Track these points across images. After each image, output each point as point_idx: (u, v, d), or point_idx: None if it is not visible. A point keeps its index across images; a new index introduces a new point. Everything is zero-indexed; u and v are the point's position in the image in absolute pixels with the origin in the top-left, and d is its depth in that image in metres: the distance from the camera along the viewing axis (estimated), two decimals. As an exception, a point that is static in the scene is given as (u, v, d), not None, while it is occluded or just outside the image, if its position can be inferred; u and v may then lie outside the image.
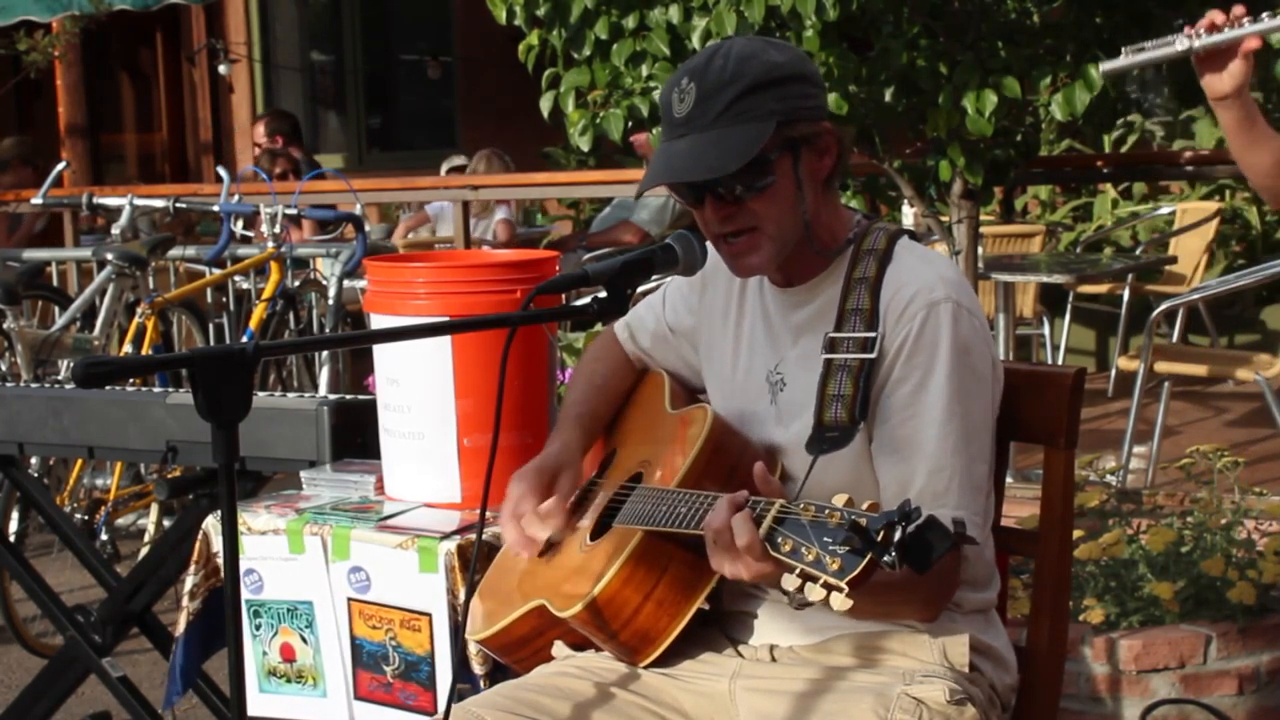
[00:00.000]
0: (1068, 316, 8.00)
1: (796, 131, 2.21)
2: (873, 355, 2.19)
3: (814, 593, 1.77)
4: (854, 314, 2.23)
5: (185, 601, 2.97)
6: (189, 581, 2.97)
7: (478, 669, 2.61)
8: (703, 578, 2.21)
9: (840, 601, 1.76)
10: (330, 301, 5.98)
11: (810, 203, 2.24)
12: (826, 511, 1.81)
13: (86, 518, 5.27)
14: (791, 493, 2.21)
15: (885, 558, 1.74)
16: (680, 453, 2.28)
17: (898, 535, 1.74)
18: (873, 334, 2.20)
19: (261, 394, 3.65)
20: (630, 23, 5.07)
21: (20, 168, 8.80)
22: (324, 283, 6.24)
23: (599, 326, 2.57)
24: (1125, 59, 2.77)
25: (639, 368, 2.59)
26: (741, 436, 2.32)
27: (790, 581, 1.79)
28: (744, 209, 2.21)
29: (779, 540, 1.83)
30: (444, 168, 9.88)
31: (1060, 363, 7.65)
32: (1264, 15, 2.61)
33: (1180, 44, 2.64)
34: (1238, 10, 2.62)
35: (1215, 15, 2.62)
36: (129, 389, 3.89)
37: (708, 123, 2.18)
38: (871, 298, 2.23)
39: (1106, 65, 2.83)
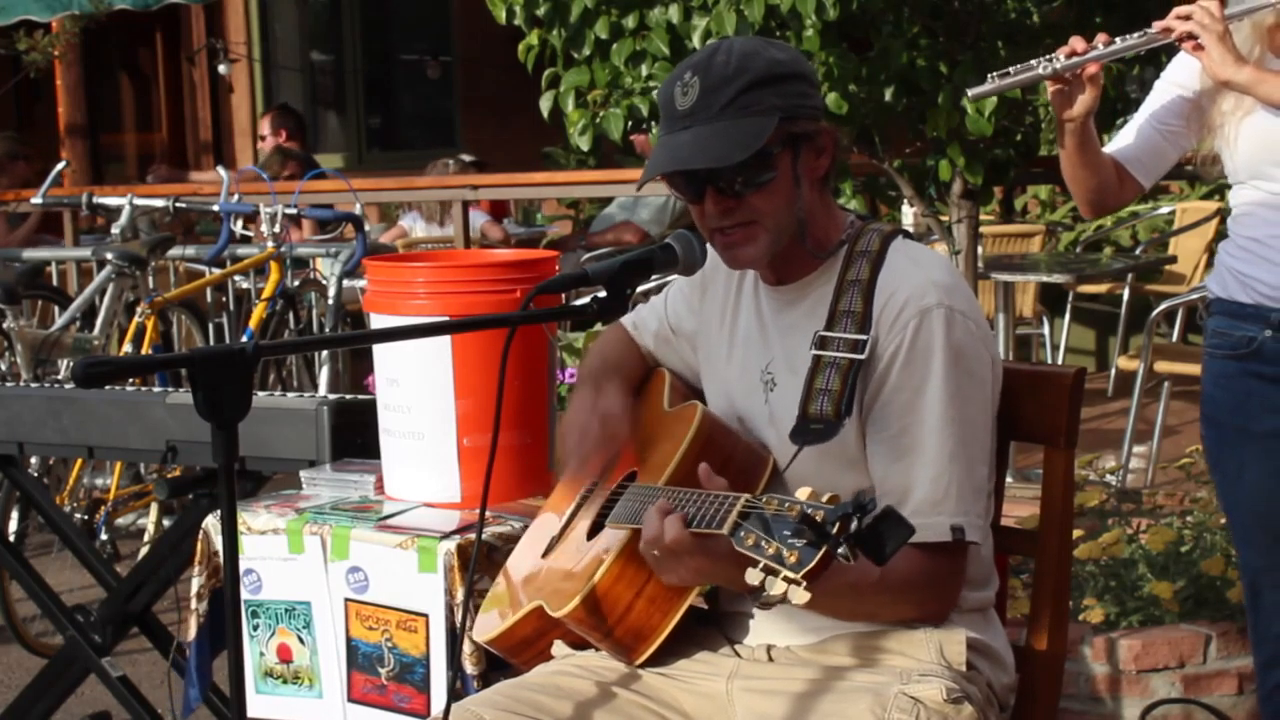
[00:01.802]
0: (1067, 316, 8.00)
1: (797, 128, 2.22)
2: (863, 356, 2.19)
3: (775, 586, 1.78)
4: (846, 315, 2.23)
5: (194, 604, 2.97)
6: (195, 583, 2.97)
7: (471, 669, 2.62)
8: None
9: (799, 595, 1.76)
10: (330, 301, 5.97)
11: (806, 201, 2.25)
12: (787, 505, 1.82)
13: (86, 517, 5.28)
14: (782, 492, 2.23)
15: (840, 550, 1.74)
16: (670, 451, 2.29)
17: (853, 527, 1.74)
18: (864, 337, 2.20)
19: (261, 394, 3.65)
20: (630, 22, 5.07)
21: (10, 165, 8.74)
22: (324, 282, 6.23)
23: (599, 326, 2.58)
24: (991, 84, 2.96)
25: (650, 361, 2.59)
26: (733, 434, 2.32)
27: (753, 576, 1.80)
28: (744, 203, 2.22)
29: (742, 534, 1.84)
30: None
31: (1060, 363, 7.65)
32: (1117, 39, 2.76)
33: (1042, 68, 2.82)
34: (1101, 38, 2.78)
35: (1076, 42, 2.80)
36: (129, 389, 3.89)
37: (712, 115, 2.18)
38: (864, 301, 2.23)
39: (974, 90, 3.02)
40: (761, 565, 1.79)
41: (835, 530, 1.74)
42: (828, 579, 1.78)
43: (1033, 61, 2.82)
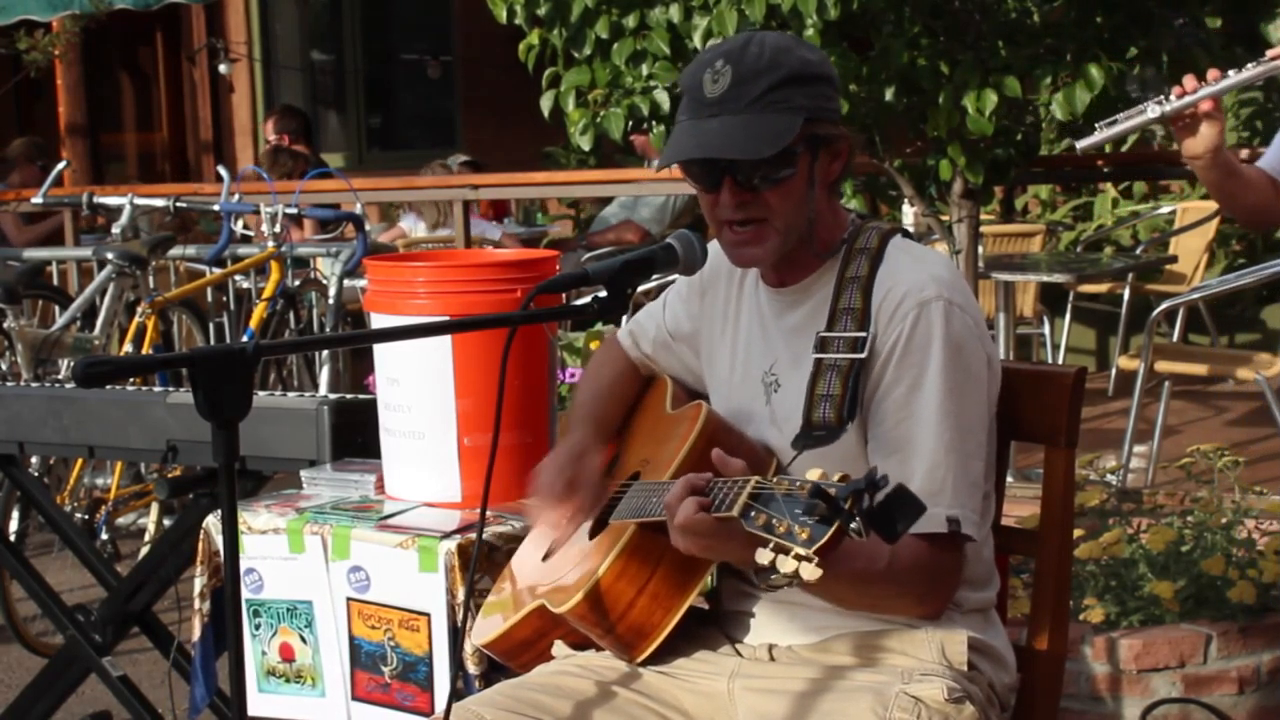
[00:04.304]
0: (1068, 316, 8.00)
1: (819, 130, 2.22)
2: (863, 355, 2.19)
3: (786, 565, 1.78)
4: (845, 313, 2.23)
5: (197, 603, 2.97)
6: (197, 584, 2.98)
7: (472, 669, 2.62)
8: (696, 571, 2.23)
9: (810, 571, 1.77)
10: (330, 301, 5.97)
11: (817, 203, 2.25)
12: (799, 484, 1.82)
13: (87, 517, 5.28)
14: None
15: (852, 525, 1.75)
16: (675, 449, 2.29)
17: (865, 503, 1.75)
18: (863, 334, 2.20)
19: (262, 393, 3.65)
20: (631, 22, 5.07)
21: (25, 165, 8.86)
22: (324, 282, 6.24)
23: (600, 325, 2.59)
24: (1101, 134, 2.94)
25: (645, 374, 2.60)
26: (737, 433, 2.32)
27: (764, 555, 1.80)
28: (759, 199, 2.22)
29: (753, 514, 1.85)
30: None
31: (1060, 362, 7.65)
32: (1230, 72, 2.69)
33: (1152, 110, 2.80)
34: (1212, 74, 2.71)
35: (1188, 82, 2.70)
36: (129, 388, 3.89)
37: (741, 106, 2.18)
38: (863, 297, 2.23)
39: (1083, 142, 2.98)
40: (772, 544, 1.80)
41: (848, 505, 1.75)
42: (834, 564, 1.78)
43: (1142, 105, 2.78)
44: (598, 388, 2.59)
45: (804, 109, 2.19)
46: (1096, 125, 2.91)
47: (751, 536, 1.84)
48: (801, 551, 1.77)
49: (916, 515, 1.77)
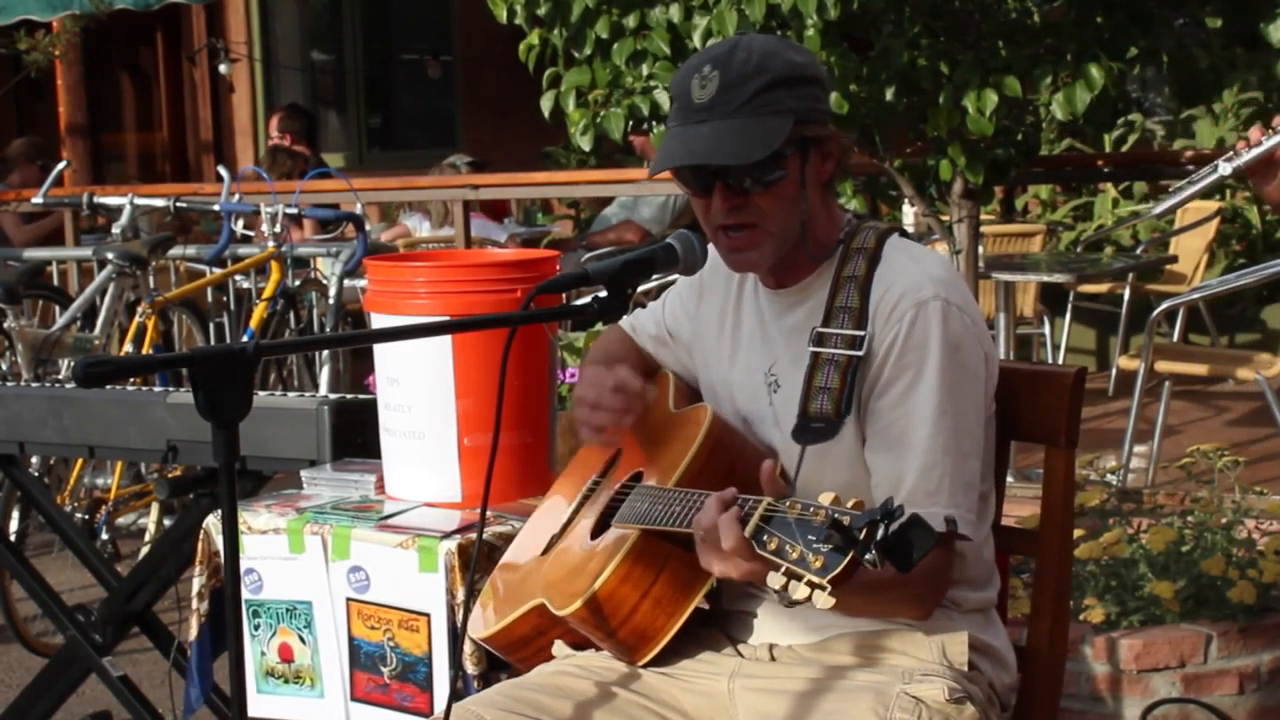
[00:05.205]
0: (1068, 316, 8.00)
1: (809, 132, 2.22)
2: (860, 353, 2.19)
3: (798, 590, 1.77)
4: (842, 311, 2.23)
5: (195, 603, 2.97)
6: (196, 583, 2.97)
7: (471, 669, 2.61)
8: (700, 576, 2.21)
9: (823, 600, 1.76)
10: (331, 301, 5.98)
11: (810, 204, 2.25)
12: (812, 509, 1.81)
13: (87, 517, 5.28)
14: (791, 493, 2.22)
15: (867, 556, 1.74)
16: (679, 452, 2.28)
17: (880, 534, 1.74)
18: (861, 333, 2.20)
19: (262, 393, 3.65)
20: (631, 22, 5.07)
21: (25, 165, 8.87)
22: (324, 282, 6.24)
23: (600, 325, 2.58)
24: (1175, 196, 2.85)
25: (650, 363, 2.59)
26: (741, 436, 2.32)
27: (775, 580, 1.79)
28: (750, 203, 2.22)
29: (765, 538, 1.84)
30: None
31: (1061, 362, 7.65)
32: None
33: (1223, 168, 2.71)
34: (1277, 121, 2.67)
35: (1253, 133, 2.68)
36: (129, 388, 3.89)
37: (730, 111, 2.18)
38: (861, 296, 2.23)
39: (1159, 207, 2.93)
40: (784, 569, 1.79)
41: (863, 536, 1.74)
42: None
43: (1215, 163, 2.74)
44: (608, 352, 2.53)
45: (793, 111, 2.19)
46: (1169, 189, 2.87)
47: (762, 559, 1.83)
48: (815, 579, 1.76)
49: (931, 545, 1.76)
